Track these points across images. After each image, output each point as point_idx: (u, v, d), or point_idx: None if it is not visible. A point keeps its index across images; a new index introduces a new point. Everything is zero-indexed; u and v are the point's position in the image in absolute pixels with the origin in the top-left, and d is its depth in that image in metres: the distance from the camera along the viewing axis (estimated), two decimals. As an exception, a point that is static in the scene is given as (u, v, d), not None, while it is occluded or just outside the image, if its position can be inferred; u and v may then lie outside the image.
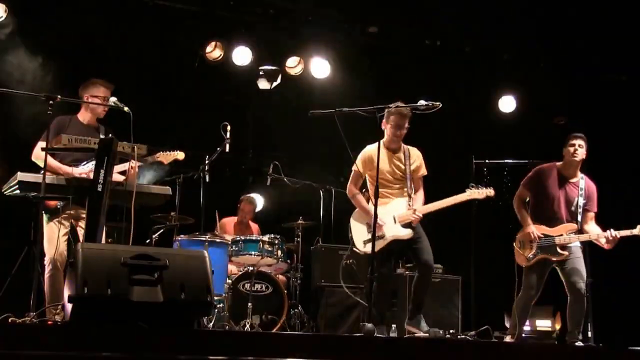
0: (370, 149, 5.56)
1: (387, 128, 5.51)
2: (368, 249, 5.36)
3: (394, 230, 5.45)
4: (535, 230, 5.72)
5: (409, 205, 5.49)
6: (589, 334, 6.98)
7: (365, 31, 8.28)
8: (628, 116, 8.08)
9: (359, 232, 5.60)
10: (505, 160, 6.64)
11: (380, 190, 5.24)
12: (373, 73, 8.38)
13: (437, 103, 5.12)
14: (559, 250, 5.64)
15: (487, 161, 6.88)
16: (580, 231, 5.71)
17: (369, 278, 4.89)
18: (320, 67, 8.50)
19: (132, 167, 5.03)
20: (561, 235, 5.66)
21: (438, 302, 7.07)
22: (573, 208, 5.76)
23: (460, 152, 7.88)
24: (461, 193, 5.57)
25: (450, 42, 8.46)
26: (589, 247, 7.11)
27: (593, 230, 5.72)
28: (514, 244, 5.88)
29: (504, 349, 4.37)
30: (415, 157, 5.64)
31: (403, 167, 5.56)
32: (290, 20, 8.06)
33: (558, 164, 5.88)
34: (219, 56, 8.07)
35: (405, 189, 5.54)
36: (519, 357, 3.99)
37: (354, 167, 5.58)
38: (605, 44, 7.92)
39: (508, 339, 5.76)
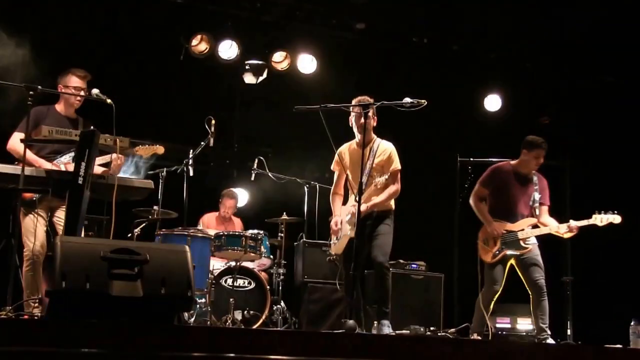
0: (344, 146, 5.57)
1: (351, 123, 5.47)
2: (334, 249, 5.63)
3: (344, 230, 5.45)
4: (498, 226, 5.84)
5: (355, 201, 5.29)
6: (568, 331, 7.03)
7: (353, 28, 8.26)
8: (613, 117, 8.13)
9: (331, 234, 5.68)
10: (490, 159, 6.64)
11: (350, 187, 5.35)
12: (360, 70, 8.37)
13: (422, 101, 5.11)
14: (522, 244, 5.80)
15: (472, 159, 6.89)
16: (537, 225, 5.89)
17: (351, 275, 4.88)
18: (307, 63, 8.49)
19: (117, 159, 5.01)
20: (523, 229, 5.83)
21: (420, 299, 7.08)
22: (530, 203, 5.93)
23: (445, 149, 7.89)
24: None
25: (437, 40, 8.46)
26: (570, 246, 7.17)
27: (551, 222, 5.90)
28: (478, 241, 6.00)
29: (483, 346, 4.37)
30: (383, 150, 5.48)
31: (367, 161, 5.41)
32: (277, 15, 8.03)
33: (513, 162, 6.06)
34: (205, 49, 8.03)
35: (373, 184, 5.35)
36: (499, 355, 3.98)
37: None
38: (592, 45, 7.95)
39: (475, 336, 5.78)
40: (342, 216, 5.52)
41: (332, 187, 5.69)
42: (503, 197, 5.95)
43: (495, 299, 5.87)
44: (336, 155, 5.52)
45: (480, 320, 5.83)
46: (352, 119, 5.42)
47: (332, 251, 5.69)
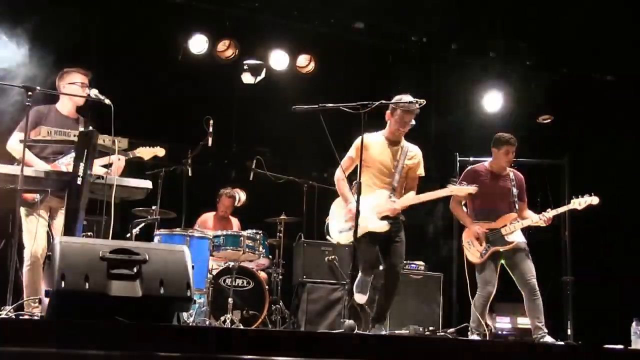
0: (368, 136, 5.36)
1: (391, 121, 5.39)
2: (341, 238, 5.39)
3: (369, 222, 5.25)
4: (478, 227, 5.88)
5: (390, 197, 5.35)
6: (569, 331, 7.02)
7: (352, 27, 8.26)
8: (613, 116, 8.12)
9: (335, 220, 5.45)
10: (490, 158, 6.65)
11: (370, 180, 5.25)
12: (358, 69, 8.36)
13: (422, 100, 5.11)
14: (507, 239, 5.82)
15: (471, 159, 6.89)
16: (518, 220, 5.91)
17: (350, 275, 4.86)
18: (305, 62, 8.49)
19: (118, 160, 5.03)
20: (505, 225, 5.85)
21: (419, 299, 7.08)
22: (510, 199, 5.96)
23: (444, 149, 7.89)
24: (442, 188, 5.54)
25: (437, 39, 8.46)
26: (571, 246, 7.18)
27: (532, 215, 5.95)
28: (463, 244, 6.02)
29: (482, 346, 4.37)
30: (414, 155, 5.50)
31: (396, 160, 5.41)
32: (276, 14, 8.03)
33: (486, 163, 6.13)
34: (203, 49, 8.02)
35: (395, 184, 5.38)
36: (498, 355, 3.98)
37: (348, 153, 5.41)
38: (592, 44, 7.95)
39: (475, 337, 5.78)
40: (367, 205, 5.21)
41: (341, 172, 5.42)
42: (482, 197, 5.94)
43: (490, 300, 5.87)
44: (359, 142, 5.24)
45: (477, 321, 5.84)
46: (394, 120, 5.35)
47: (342, 240, 5.42)
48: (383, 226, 5.28)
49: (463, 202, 6.08)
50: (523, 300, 5.80)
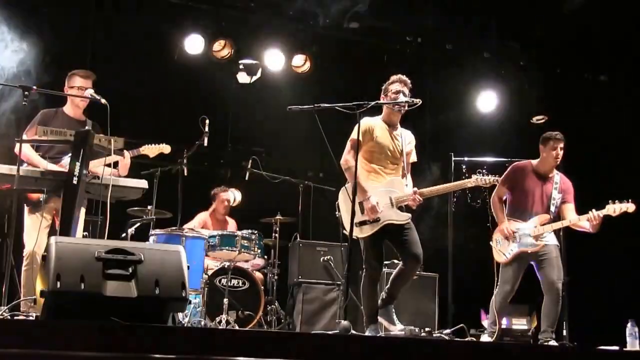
0: (371, 119, 5.25)
1: (386, 99, 5.25)
2: (362, 232, 5.08)
3: (390, 214, 5.07)
4: (508, 226, 5.81)
5: (406, 186, 5.20)
6: (564, 332, 7.02)
7: (347, 27, 8.26)
8: (606, 116, 8.14)
9: (349, 213, 4.79)
10: (484, 158, 6.65)
11: (374, 166, 5.18)
12: (353, 69, 8.37)
13: (417, 100, 5.11)
14: (534, 241, 5.73)
15: (466, 159, 6.89)
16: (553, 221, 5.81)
17: (345, 275, 4.83)
18: (301, 62, 8.49)
19: (123, 159, 5.04)
20: (535, 226, 5.76)
21: (415, 300, 7.06)
22: (548, 202, 5.85)
23: (439, 149, 7.90)
24: (466, 179, 5.45)
25: (431, 39, 8.47)
26: (567, 247, 7.18)
27: (570, 216, 5.80)
28: (491, 242, 5.95)
29: (478, 348, 4.38)
30: (411, 140, 5.39)
31: (400, 145, 5.28)
32: (271, 14, 8.03)
33: (534, 162, 6.00)
34: (199, 49, 8.01)
35: (401, 169, 5.27)
36: (493, 357, 3.98)
37: (350, 138, 5.18)
38: (585, 44, 7.97)
39: (486, 336, 5.77)
40: (383, 195, 5.10)
41: (347, 155, 5.17)
42: (520, 195, 5.89)
43: (508, 299, 5.81)
44: (366, 126, 5.16)
45: (492, 320, 5.82)
46: (390, 96, 5.23)
47: (363, 233, 5.05)
48: (406, 218, 5.11)
49: (504, 198, 6.00)
50: (518, 301, 5.77)
